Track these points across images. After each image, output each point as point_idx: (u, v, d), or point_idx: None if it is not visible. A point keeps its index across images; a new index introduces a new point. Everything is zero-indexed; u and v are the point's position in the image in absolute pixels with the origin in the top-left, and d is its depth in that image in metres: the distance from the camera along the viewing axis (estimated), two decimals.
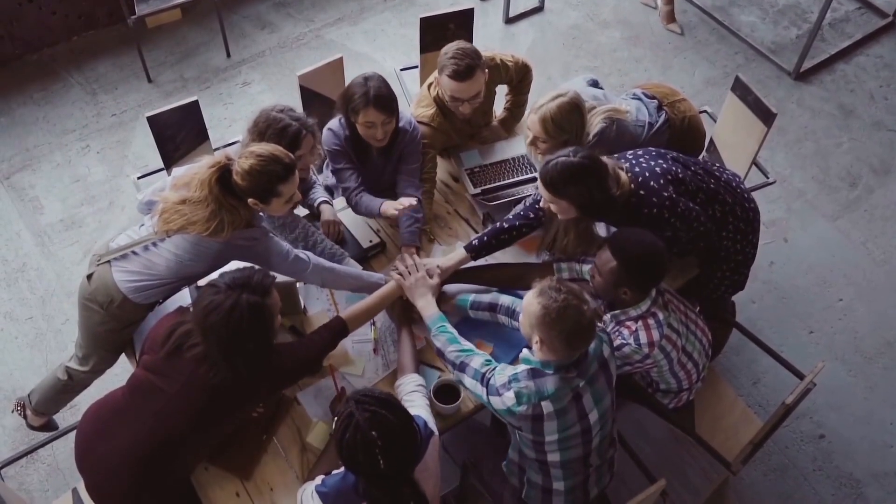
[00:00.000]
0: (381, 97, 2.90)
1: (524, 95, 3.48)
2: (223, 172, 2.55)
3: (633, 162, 2.80)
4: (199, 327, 2.31)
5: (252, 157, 2.53)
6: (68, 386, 3.08)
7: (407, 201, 2.93)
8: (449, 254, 3.04)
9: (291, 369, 2.49)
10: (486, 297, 2.82)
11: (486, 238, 2.93)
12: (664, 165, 2.78)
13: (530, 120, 2.96)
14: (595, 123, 3.04)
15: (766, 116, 3.31)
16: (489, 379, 2.41)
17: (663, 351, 2.64)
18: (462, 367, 2.49)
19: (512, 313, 2.72)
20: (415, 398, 2.47)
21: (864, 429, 3.57)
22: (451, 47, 3.07)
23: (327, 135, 3.08)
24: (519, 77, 3.40)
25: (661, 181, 2.73)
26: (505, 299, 2.77)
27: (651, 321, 2.62)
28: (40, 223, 4.18)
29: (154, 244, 2.65)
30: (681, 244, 2.82)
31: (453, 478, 2.97)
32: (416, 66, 3.92)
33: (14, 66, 4.83)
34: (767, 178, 3.61)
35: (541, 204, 2.79)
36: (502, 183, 3.31)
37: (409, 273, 2.82)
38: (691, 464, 3.40)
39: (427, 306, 2.75)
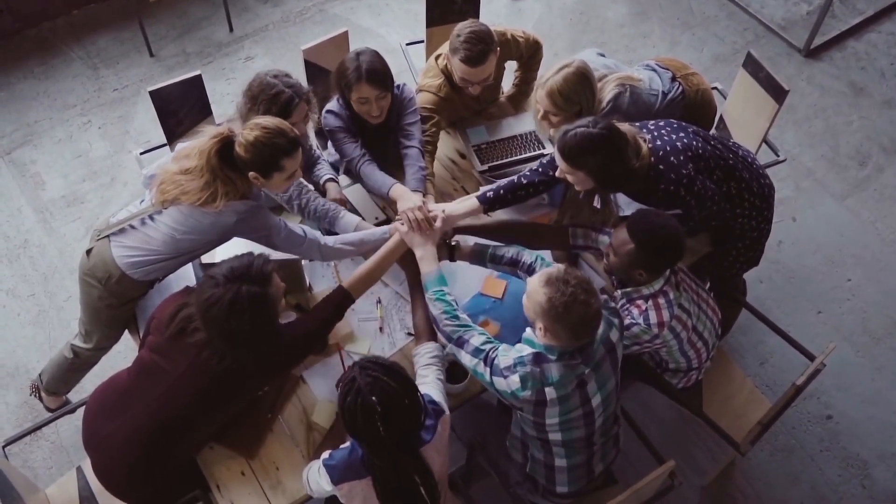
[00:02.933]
0: (374, 71, 2.86)
1: (533, 73, 3.43)
2: (225, 144, 2.51)
3: (655, 134, 2.73)
4: (200, 320, 2.27)
5: (257, 129, 2.49)
6: (75, 364, 3.07)
7: (416, 200, 2.83)
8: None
9: (295, 349, 2.46)
10: (510, 251, 2.69)
11: (501, 191, 2.83)
12: (685, 140, 2.73)
13: (538, 95, 2.89)
14: (608, 91, 2.99)
15: (777, 93, 3.26)
16: (493, 359, 2.36)
17: (673, 331, 2.61)
18: (460, 343, 2.42)
19: (533, 272, 2.58)
20: (428, 373, 2.41)
21: (872, 409, 3.55)
22: (463, 29, 3.00)
23: (328, 117, 3.04)
24: (529, 53, 3.35)
25: (682, 157, 2.68)
26: (528, 256, 2.66)
27: (662, 300, 2.59)
28: (42, 199, 4.14)
29: (151, 217, 2.62)
30: (692, 222, 2.78)
31: (459, 456, 2.96)
32: (422, 41, 3.86)
33: (13, 40, 4.77)
34: (778, 156, 3.56)
35: (557, 174, 2.71)
36: (510, 160, 3.28)
37: (413, 221, 2.68)
38: (697, 443, 3.39)
39: (426, 257, 2.61)
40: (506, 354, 2.36)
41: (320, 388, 2.68)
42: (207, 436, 2.53)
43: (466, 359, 2.41)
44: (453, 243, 2.81)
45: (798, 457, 3.42)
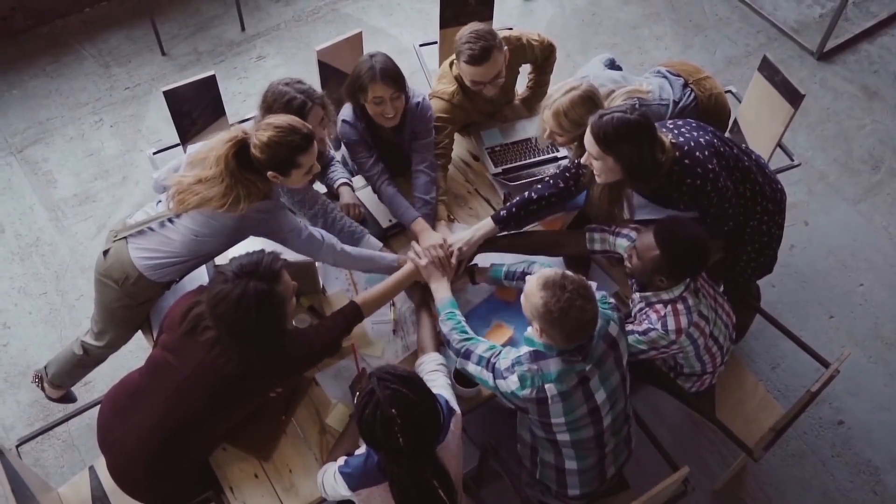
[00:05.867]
0: (388, 70, 2.89)
1: (547, 75, 3.43)
2: (240, 147, 2.52)
3: (676, 132, 2.71)
4: (209, 315, 2.28)
5: (270, 129, 2.50)
6: (83, 360, 3.07)
7: (438, 238, 2.88)
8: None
9: (305, 357, 2.47)
10: (521, 266, 2.76)
11: (514, 209, 2.87)
12: (707, 138, 2.71)
13: (545, 115, 2.88)
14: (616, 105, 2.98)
15: (793, 97, 3.25)
16: (494, 363, 2.38)
17: (690, 338, 2.60)
18: (466, 355, 2.47)
19: None
20: (436, 378, 2.43)
21: (884, 415, 3.54)
22: (464, 32, 3.01)
23: (343, 127, 3.05)
24: (543, 56, 3.34)
25: (706, 153, 2.66)
26: (537, 267, 2.70)
27: (680, 307, 2.58)
28: (54, 197, 4.14)
29: (171, 220, 2.63)
30: (706, 223, 2.76)
31: (471, 459, 2.95)
32: (436, 42, 3.85)
33: (26, 37, 4.77)
34: (792, 160, 3.55)
35: (582, 160, 2.66)
36: (523, 162, 3.27)
37: (435, 259, 2.77)
38: (708, 447, 3.39)
39: (440, 288, 2.71)
40: (506, 357, 2.38)
41: (333, 391, 2.67)
42: (221, 435, 2.53)
43: (473, 369, 2.45)
44: (471, 264, 2.90)
45: (809, 462, 3.41)
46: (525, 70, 3.45)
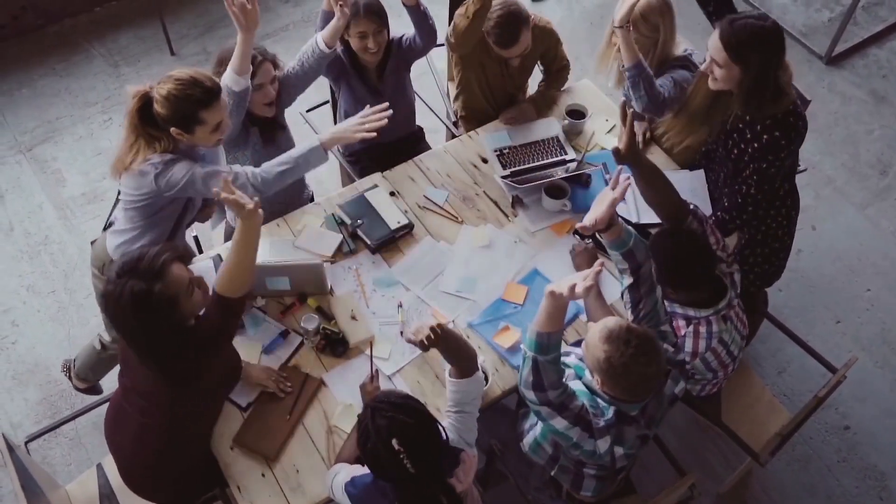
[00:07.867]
0: (371, 5, 3.07)
1: (555, 91, 3.50)
2: (144, 102, 2.44)
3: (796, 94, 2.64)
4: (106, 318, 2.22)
5: (170, 82, 2.41)
6: (102, 355, 3.15)
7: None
8: (477, 235, 3.02)
9: (198, 355, 2.21)
10: (650, 280, 2.36)
11: None
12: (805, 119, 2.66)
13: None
14: (679, 48, 3.02)
15: (800, 102, 3.24)
16: (589, 421, 2.24)
17: (704, 361, 2.60)
18: (561, 409, 2.22)
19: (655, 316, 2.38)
20: (449, 413, 2.30)
21: (890, 421, 3.53)
22: (493, 12, 3.08)
23: None
24: (557, 67, 3.44)
25: (804, 131, 2.61)
26: (658, 294, 2.40)
27: (703, 329, 2.54)
28: (62, 196, 4.16)
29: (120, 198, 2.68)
30: (734, 205, 2.76)
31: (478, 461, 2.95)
32: (443, 45, 3.85)
33: (35, 36, 4.80)
34: (799, 164, 3.53)
35: (703, 67, 2.51)
36: (532, 165, 3.26)
37: None
38: (713, 450, 3.39)
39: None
40: (598, 418, 2.24)
41: (341, 392, 2.67)
42: (209, 431, 2.51)
43: (560, 424, 2.25)
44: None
45: (815, 467, 3.41)
46: (536, 74, 3.48)
